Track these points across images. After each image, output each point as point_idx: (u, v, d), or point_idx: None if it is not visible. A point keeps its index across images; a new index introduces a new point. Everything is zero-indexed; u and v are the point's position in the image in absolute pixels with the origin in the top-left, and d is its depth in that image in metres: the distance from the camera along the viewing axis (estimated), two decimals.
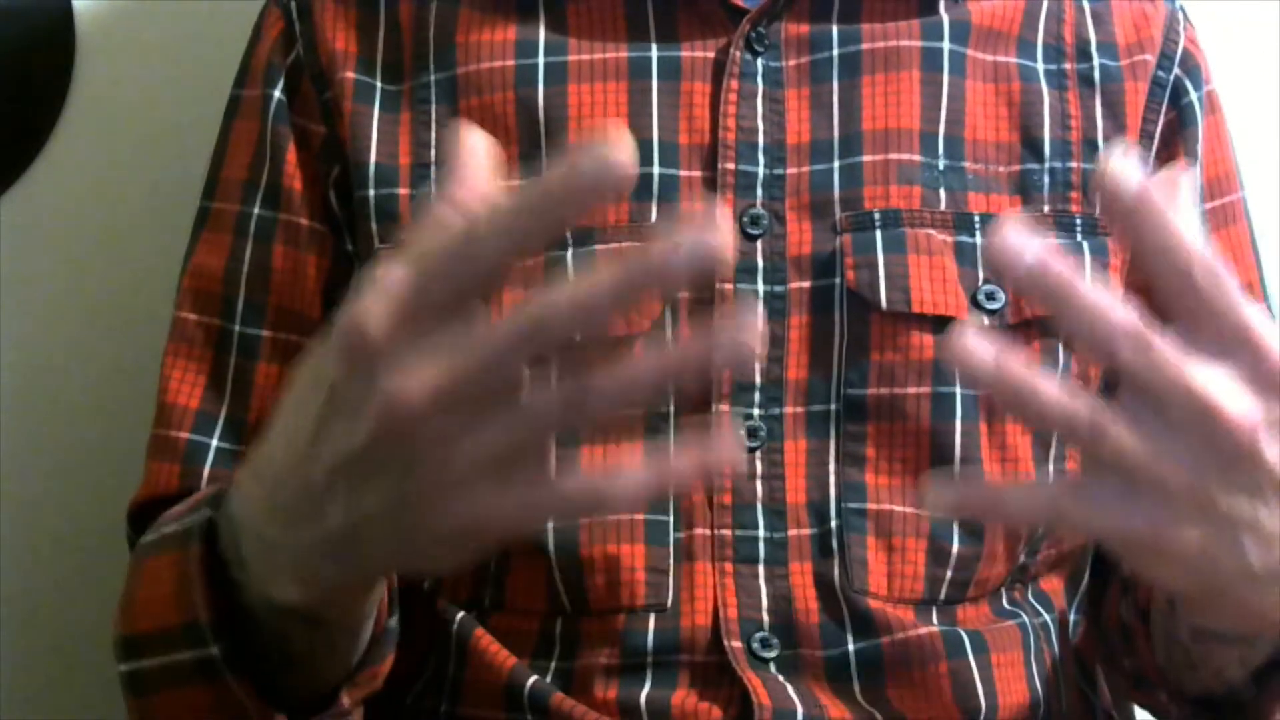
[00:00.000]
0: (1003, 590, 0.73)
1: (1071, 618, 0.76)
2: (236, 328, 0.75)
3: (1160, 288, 0.49)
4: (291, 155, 0.75)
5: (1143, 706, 0.78)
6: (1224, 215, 0.79)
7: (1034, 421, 0.50)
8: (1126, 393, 0.49)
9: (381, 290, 0.47)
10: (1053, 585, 0.76)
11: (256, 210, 0.76)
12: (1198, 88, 0.78)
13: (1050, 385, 0.48)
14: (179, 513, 0.64)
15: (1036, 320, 0.72)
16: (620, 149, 0.44)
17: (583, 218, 0.49)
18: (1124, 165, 0.47)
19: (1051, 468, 0.73)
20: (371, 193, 0.73)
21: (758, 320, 0.46)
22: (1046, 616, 0.74)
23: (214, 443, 0.75)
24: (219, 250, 0.76)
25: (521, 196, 0.46)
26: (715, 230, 0.44)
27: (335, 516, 0.51)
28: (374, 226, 0.73)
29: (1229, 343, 0.48)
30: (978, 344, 0.48)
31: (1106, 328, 0.47)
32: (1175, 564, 0.51)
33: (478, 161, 0.48)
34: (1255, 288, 0.79)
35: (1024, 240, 0.47)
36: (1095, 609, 0.78)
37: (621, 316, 0.56)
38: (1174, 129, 0.77)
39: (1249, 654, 0.64)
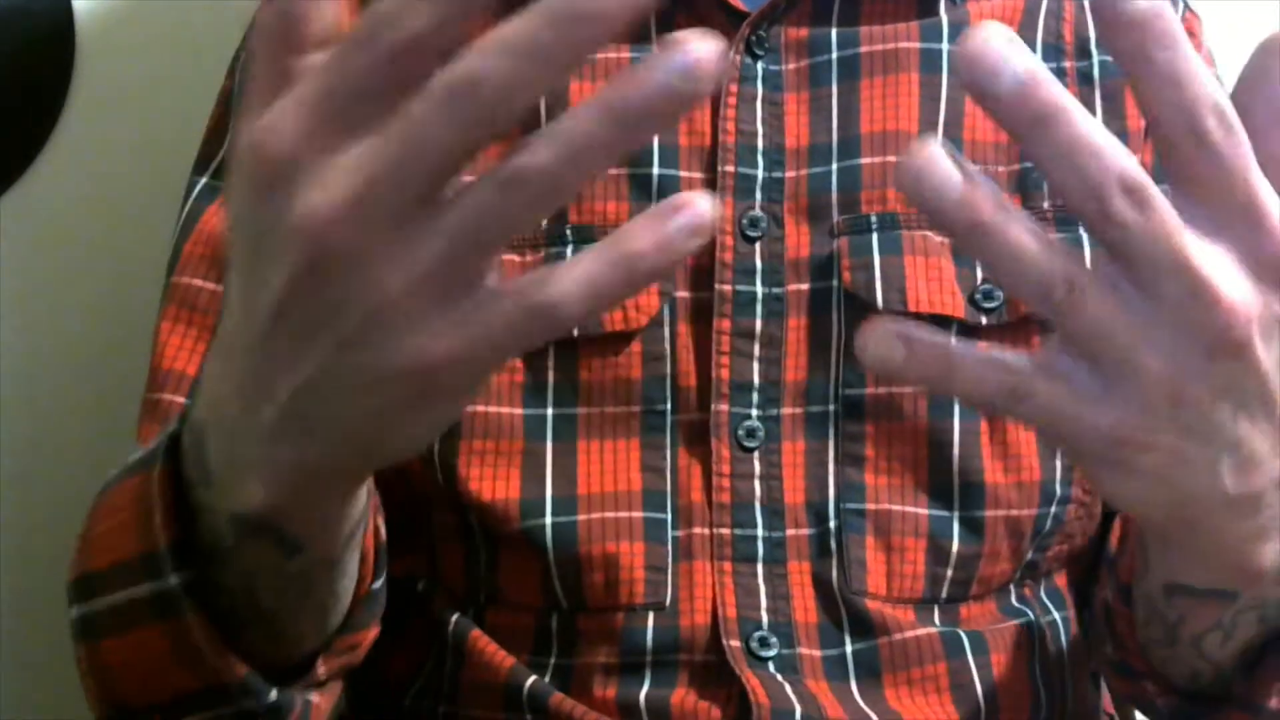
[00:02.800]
0: (1011, 587, 0.73)
1: (1087, 615, 0.76)
2: None
3: (1162, 135, 0.41)
4: None
5: (1130, 701, 0.77)
6: None
7: (1002, 273, 0.41)
8: (1111, 259, 0.42)
9: (289, 97, 0.40)
10: (1066, 582, 0.75)
11: None
12: None
13: (1024, 231, 0.41)
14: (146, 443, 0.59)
15: (1035, 317, 0.72)
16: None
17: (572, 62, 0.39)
18: None
19: (1058, 464, 0.73)
20: None
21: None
22: (1056, 615, 0.74)
23: None
24: None
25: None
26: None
27: (283, 383, 0.44)
28: None
29: (1235, 216, 0.42)
30: (941, 167, 0.40)
31: (1099, 171, 0.40)
32: (1141, 477, 0.44)
33: None
34: None
35: (1006, 51, 0.39)
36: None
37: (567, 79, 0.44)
38: None
39: (1228, 617, 0.58)
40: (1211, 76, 0.40)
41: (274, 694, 0.54)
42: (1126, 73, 0.41)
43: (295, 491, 0.47)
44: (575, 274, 0.40)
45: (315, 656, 0.56)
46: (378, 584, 0.59)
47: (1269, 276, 0.42)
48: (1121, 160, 0.40)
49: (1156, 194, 0.40)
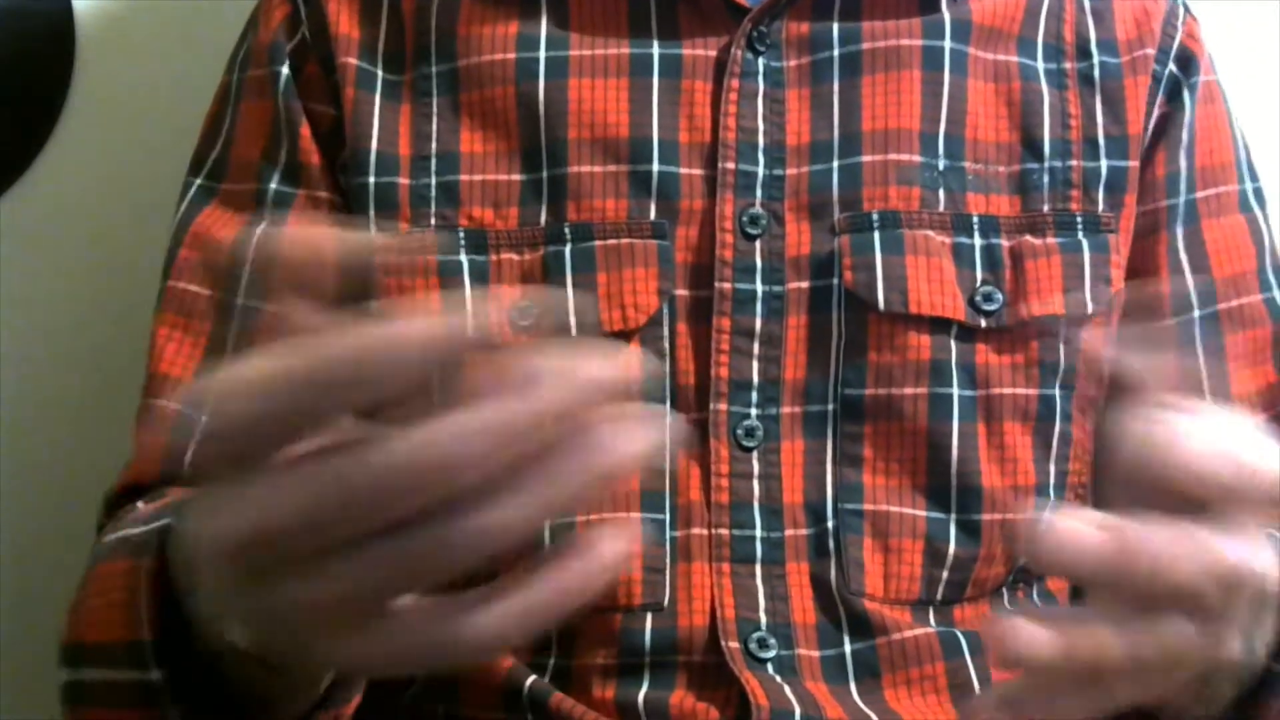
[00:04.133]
0: (1004, 590, 0.73)
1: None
2: (240, 300, 0.75)
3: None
4: (306, 130, 0.75)
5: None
6: (1216, 205, 0.79)
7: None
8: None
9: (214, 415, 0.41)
10: (1058, 585, 0.75)
11: (274, 186, 0.75)
12: (1191, 78, 0.78)
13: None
14: (145, 514, 0.61)
15: (1034, 320, 0.72)
16: None
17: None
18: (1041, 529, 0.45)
19: (1053, 469, 0.73)
20: (371, 180, 0.73)
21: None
22: None
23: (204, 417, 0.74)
24: (230, 226, 0.76)
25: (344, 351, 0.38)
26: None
27: (252, 600, 0.43)
28: (372, 214, 0.73)
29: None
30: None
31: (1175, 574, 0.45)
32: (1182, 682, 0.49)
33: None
34: (1248, 277, 0.78)
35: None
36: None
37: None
38: (1167, 120, 0.77)
39: (1206, 690, 0.58)
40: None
41: None
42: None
43: (272, 651, 0.47)
44: (483, 620, 0.40)
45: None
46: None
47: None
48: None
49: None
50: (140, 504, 0.71)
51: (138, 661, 0.53)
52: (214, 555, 0.43)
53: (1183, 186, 0.78)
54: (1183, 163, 0.77)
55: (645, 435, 0.39)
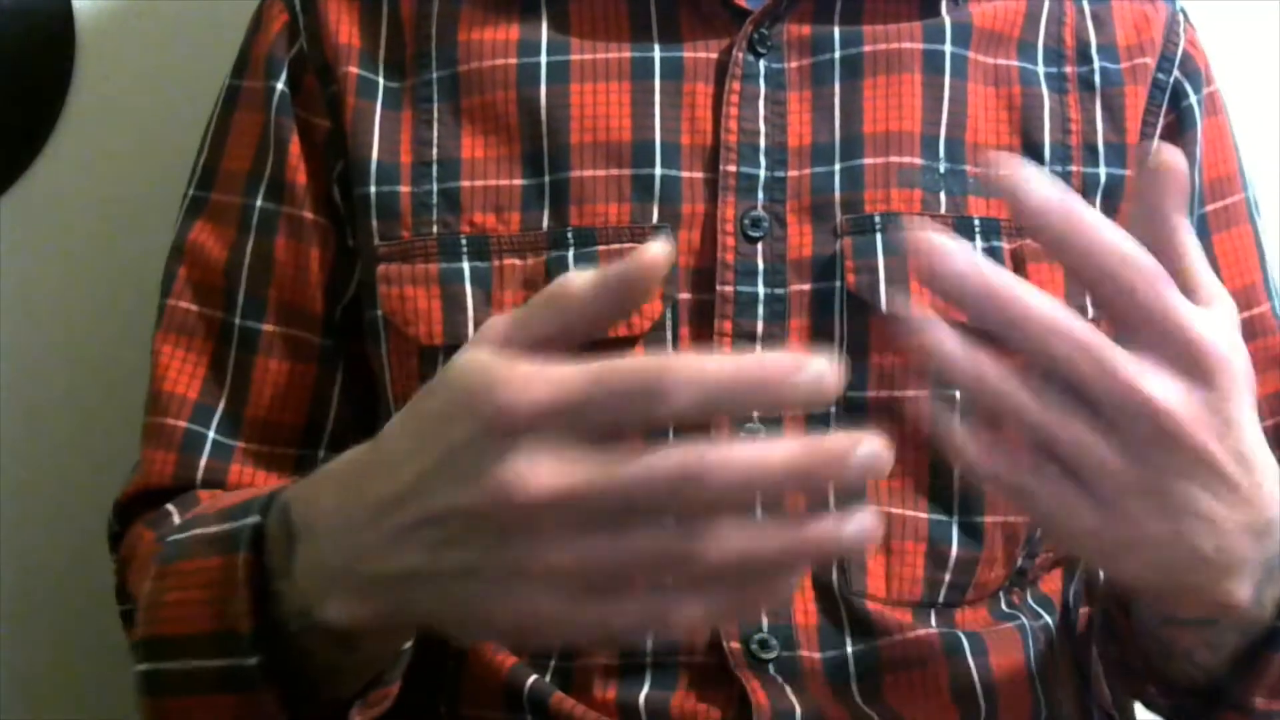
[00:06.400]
0: (1001, 594, 0.73)
1: (1072, 616, 0.76)
2: (237, 321, 0.76)
3: (1096, 295, 0.52)
4: (295, 148, 0.75)
5: (1135, 697, 0.78)
6: (1225, 218, 0.79)
7: (979, 397, 0.52)
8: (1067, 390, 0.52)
9: (547, 379, 0.48)
10: (1052, 587, 0.76)
11: (259, 203, 0.76)
12: (1197, 90, 0.78)
13: (1001, 374, 0.51)
14: (208, 512, 0.64)
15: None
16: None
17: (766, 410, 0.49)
18: (1029, 176, 0.50)
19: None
20: (372, 189, 0.73)
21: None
22: (1047, 619, 0.74)
23: (211, 434, 0.75)
24: (221, 242, 0.76)
25: (727, 373, 0.47)
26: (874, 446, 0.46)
27: (409, 559, 0.51)
28: (374, 223, 0.73)
29: (1167, 341, 0.52)
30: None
31: (1063, 342, 0.50)
32: (1132, 559, 0.54)
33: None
34: (1257, 288, 0.79)
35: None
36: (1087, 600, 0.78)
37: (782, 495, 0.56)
38: (1173, 132, 0.77)
39: (1214, 637, 0.64)
40: (1113, 233, 0.51)
41: None
42: (1049, 252, 0.52)
43: (368, 626, 0.55)
44: (696, 618, 0.48)
45: (349, 703, 0.62)
46: (407, 644, 0.63)
47: (1208, 380, 0.52)
48: (1076, 331, 0.50)
49: (1107, 349, 0.50)
50: (171, 509, 0.72)
51: (231, 650, 0.58)
52: (392, 524, 0.51)
53: (1195, 203, 0.78)
54: (1196, 179, 0.78)
55: (858, 537, 0.47)
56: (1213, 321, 0.53)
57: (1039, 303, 0.50)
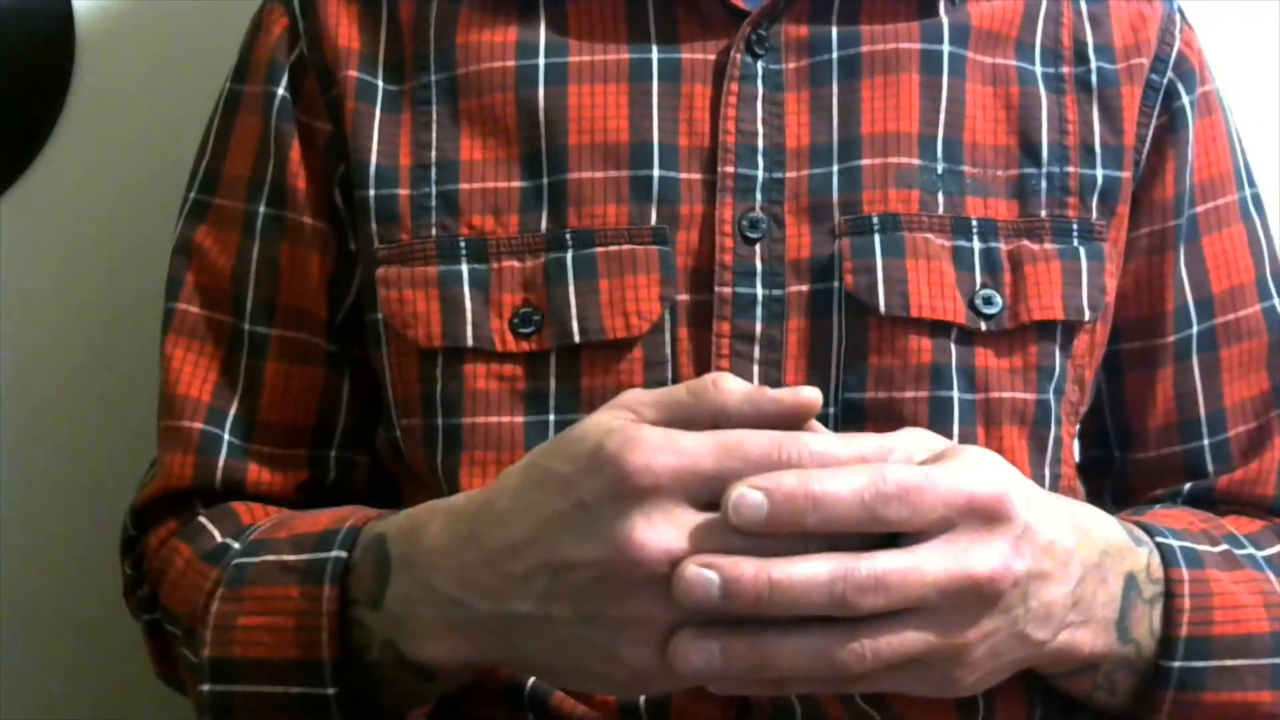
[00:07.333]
0: None
1: None
2: (246, 326, 0.76)
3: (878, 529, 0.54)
4: (295, 153, 0.75)
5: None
6: (1216, 219, 0.79)
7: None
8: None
9: (679, 446, 0.52)
10: None
11: (263, 209, 0.76)
12: (1191, 90, 0.78)
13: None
14: (277, 537, 0.67)
15: (1034, 325, 0.72)
16: None
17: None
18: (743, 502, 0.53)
19: (1047, 472, 0.73)
20: (371, 193, 0.73)
21: None
22: None
23: (226, 436, 0.75)
24: (226, 247, 0.77)
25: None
26: None
27: (520, 605, 0.55)
28: (374, 227, 0.73)
29: (960, 523, 0.55)
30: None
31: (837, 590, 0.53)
32: (981, 678, 0.59)
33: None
34: (1246, 289, 0.79)
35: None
36: None
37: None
38: (1165, 132, 0.77)
39: (1100, 680, 0.67)
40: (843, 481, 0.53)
41: None
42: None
43: (466, 663, 0.58)
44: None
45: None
46: None
47: (1009, 545, 0.56)
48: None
49: (892, 568, 0.53)
50: (206, 523, 0.73)
51: (311, 679, 0.62)
52: (508, 569, 0.55)
53: (1185, 204, 0.78)
54: (1187, 180, 0.78)
55: None
56: (963, 469, 0.56)
57: (808, 570, 0.53)
